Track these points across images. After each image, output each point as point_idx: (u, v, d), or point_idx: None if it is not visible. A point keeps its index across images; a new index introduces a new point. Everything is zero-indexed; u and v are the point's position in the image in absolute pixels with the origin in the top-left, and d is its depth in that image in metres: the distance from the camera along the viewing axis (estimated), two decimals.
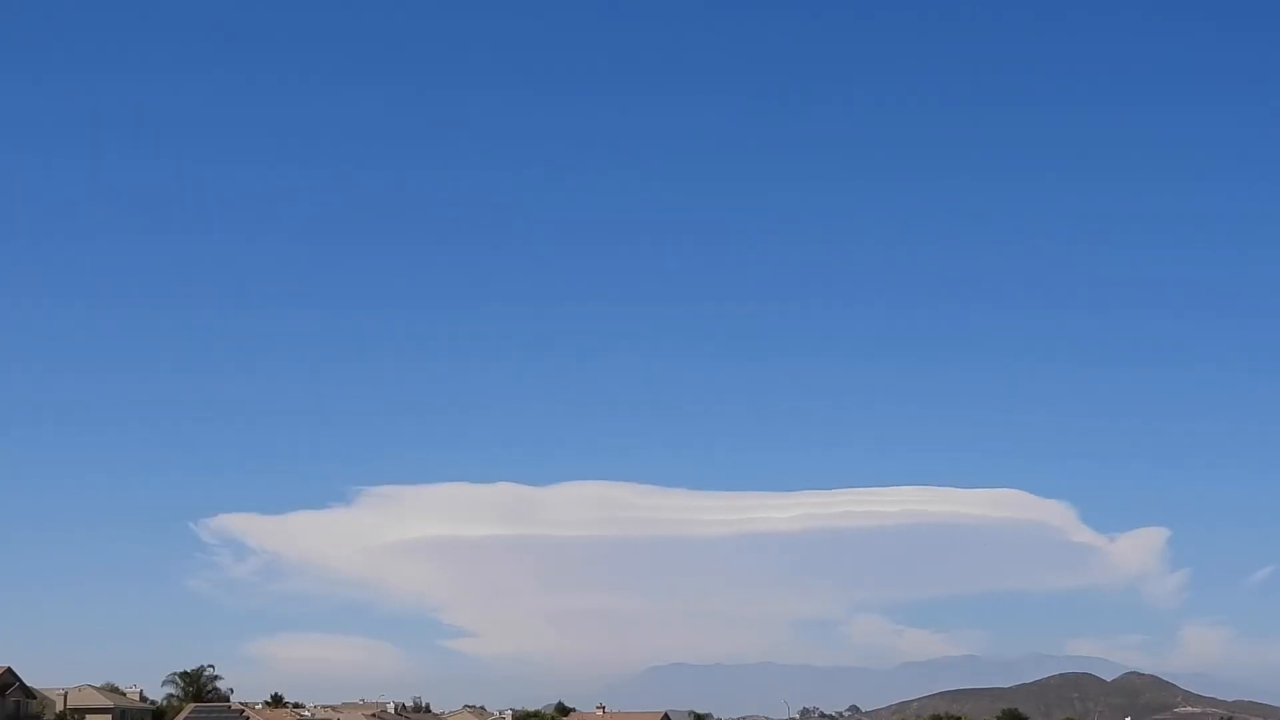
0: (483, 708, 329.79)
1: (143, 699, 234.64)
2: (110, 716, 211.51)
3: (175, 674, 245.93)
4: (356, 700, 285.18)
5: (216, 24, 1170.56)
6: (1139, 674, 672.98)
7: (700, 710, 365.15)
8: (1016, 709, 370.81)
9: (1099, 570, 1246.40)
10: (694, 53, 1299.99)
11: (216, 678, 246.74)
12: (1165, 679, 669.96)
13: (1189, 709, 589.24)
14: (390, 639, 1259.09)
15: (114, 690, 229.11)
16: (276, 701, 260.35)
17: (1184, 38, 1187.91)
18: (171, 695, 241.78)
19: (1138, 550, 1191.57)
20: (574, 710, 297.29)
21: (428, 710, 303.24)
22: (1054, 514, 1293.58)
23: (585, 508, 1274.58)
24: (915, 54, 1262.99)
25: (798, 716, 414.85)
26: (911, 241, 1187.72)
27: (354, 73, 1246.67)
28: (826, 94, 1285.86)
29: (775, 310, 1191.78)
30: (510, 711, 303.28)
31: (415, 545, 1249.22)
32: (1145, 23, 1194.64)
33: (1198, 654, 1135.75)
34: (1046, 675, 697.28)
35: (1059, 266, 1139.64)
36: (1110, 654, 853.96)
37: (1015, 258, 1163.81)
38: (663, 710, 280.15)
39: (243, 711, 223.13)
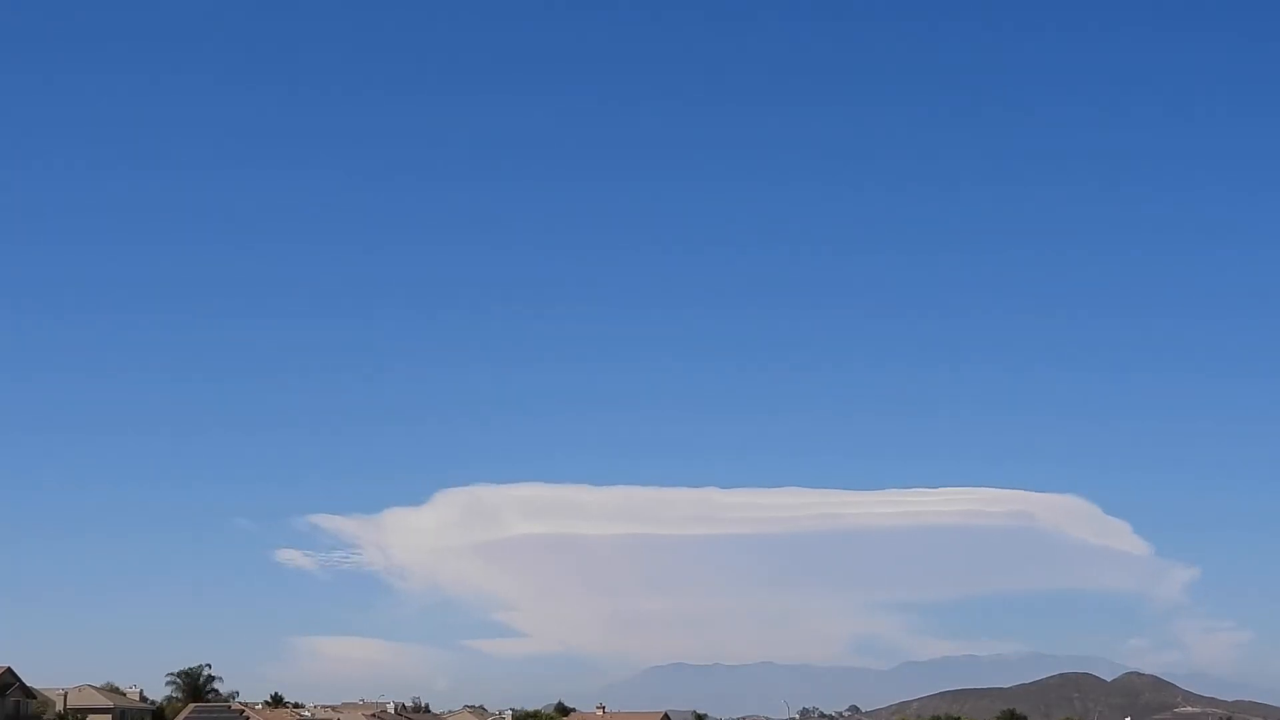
0: (482, 707, 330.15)
1: (143, 699, 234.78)
2: (110, 716, 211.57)
3: (175, 674, 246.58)
4: (357, 700, 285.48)
5: (219, 31, 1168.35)
6: (1139, 674, 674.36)
7: (700, 710, 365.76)
8: (1016, 709, 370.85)
9: (1103, 571, 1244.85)
10: (693, 58, 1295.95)
11: (214, 678, 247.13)
12: (1165, 679, 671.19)
13: (1189, 709, 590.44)
14: (423, 639, 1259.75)
15: (114, 690, 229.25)
16: (276, 701, 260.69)
17: (1176, 42, 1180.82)
18: (172, 696, 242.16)
19: (1145, 552, 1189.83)
20: (574, 710, 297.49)
21: (427, 710, 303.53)
22: (1059, 513, 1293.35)
23: (611, 509, 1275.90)
24: (905, 59, 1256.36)
25: (797, 716, 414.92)
26: (939, 246, 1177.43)
27: (358, 81, 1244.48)
28: (816, 99, 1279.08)
29: (764, 313, 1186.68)
30: (510, 711, 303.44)
31: (471, 548, 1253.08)
32: (1140, 27, 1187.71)
33: (1198, 655, 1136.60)
34: (1047, 675, 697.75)
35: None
36: (1111, 654, 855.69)
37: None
38: (662, 710, 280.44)
39: (243, 712, 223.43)
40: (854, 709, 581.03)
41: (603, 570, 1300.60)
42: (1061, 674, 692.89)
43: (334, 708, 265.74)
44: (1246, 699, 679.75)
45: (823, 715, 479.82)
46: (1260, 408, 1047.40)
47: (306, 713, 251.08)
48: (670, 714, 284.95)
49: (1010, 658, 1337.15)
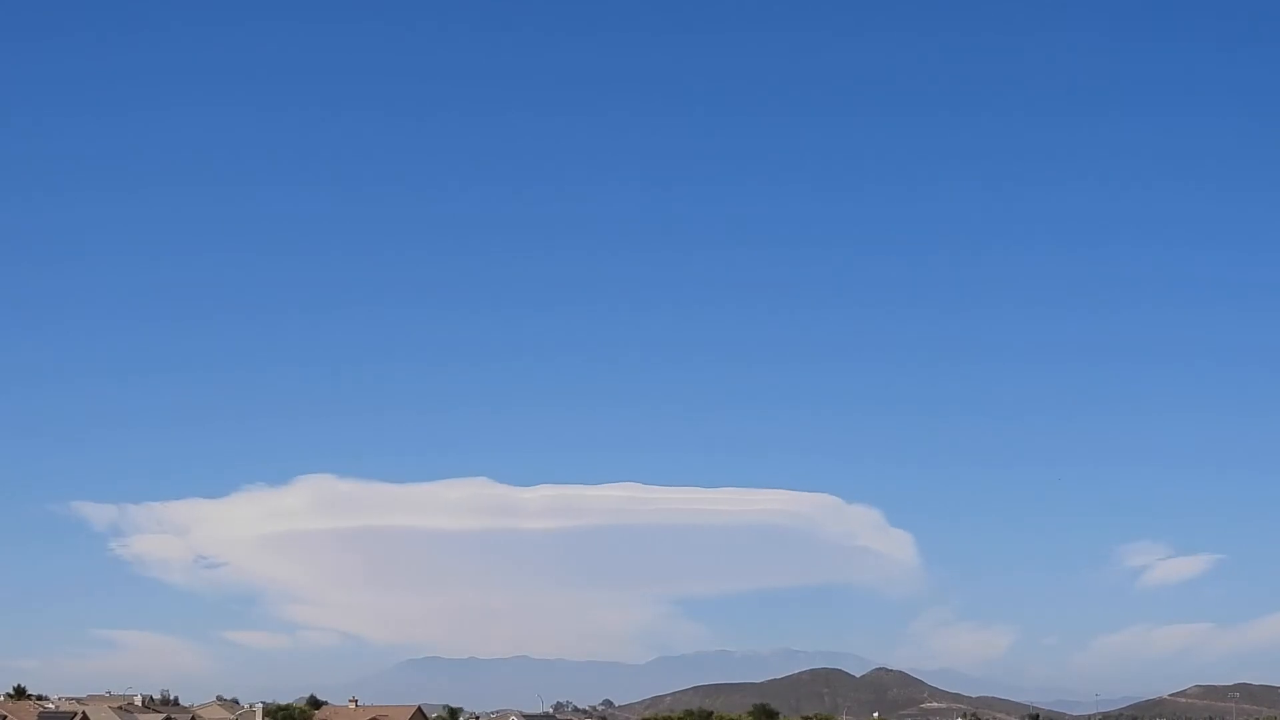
0: (234, 700, 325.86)
1: None
2: None
3: None
4: (103, 693, 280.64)
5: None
6: (887, 670, 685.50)
7: (453, 704, 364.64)
8: (767, 704, 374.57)
9: (858, 570, 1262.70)
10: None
11: None
12: (913, 675, 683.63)
13: (935, 704, 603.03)
14: (184, 631, 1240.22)
15: None
16: (19, 694, 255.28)
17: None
18: None
19: (901, 552, 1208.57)
20: (326, 703, 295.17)
21: (176, 703, 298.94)
22: (821, 511, 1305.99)
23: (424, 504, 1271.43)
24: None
25: (550, 710, 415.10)
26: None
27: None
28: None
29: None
30: (261, 705, 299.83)
31: (260, 541, 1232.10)
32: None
33: (947, 653, 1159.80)
34: (798, 670, 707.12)
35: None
36: (862, 651, 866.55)
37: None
38: (415, 704, 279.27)
39: None
40: (607, 703, 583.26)
41: (404, 564, 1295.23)
42: (812, 669, 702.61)
43: (80, 700, 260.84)
44: (989, 695, 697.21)
45: (576, 709, 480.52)
46: (1029, 407, 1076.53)
47: (51, 705, 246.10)
48: (423, 708, 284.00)
49: (764, 653, 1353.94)
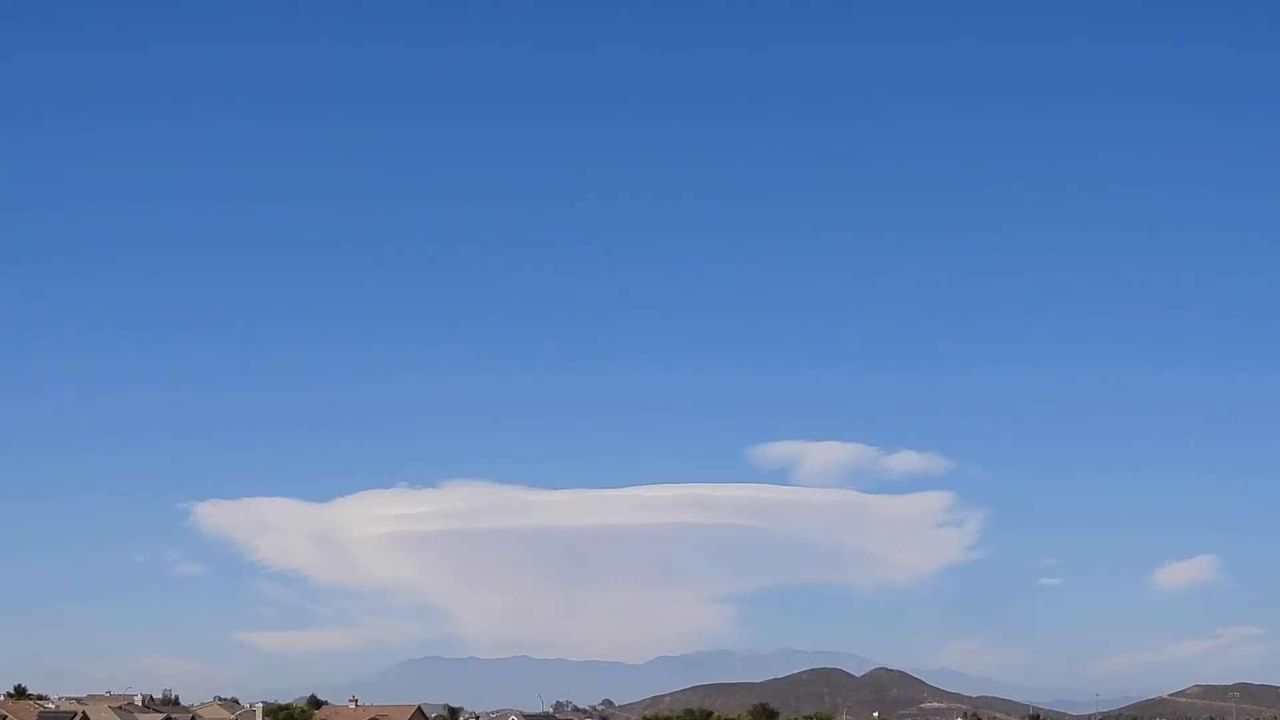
0: (234, 700, 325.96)
1: None
2: None
3: None
4: (103, 693, 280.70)
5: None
6: (887, 670, 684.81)
7: (454, 704, 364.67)
8: (767, 704, 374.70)
9: (856, 570, 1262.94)
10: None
11: None
12: (913, 675, 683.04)
13: (935, 704, 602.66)
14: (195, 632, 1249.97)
15: None
16: (20, 693, 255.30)
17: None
18: None
19: (901, 553, 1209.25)
20: (326, 703, 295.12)
21: (176, 703, 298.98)
22: (817, 511, 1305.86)
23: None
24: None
25: (551, 710, 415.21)
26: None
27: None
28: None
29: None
30: (260, 705, 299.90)
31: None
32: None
33: (946, 654, 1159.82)
34: (798, 670, 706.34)
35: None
36: (861, 651, 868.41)
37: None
38: (415, 704, 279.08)
39: None
40: (607, 703, 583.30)
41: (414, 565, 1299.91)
42: (812, 669, 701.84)
43: (80, 700, 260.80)
44: (989, 695, 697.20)
45: (576, 709, 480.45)
46: (1033, 409, 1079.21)
47: (51, 704, 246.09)
48: (423, 707, 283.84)
49: (764, 653, 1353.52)
